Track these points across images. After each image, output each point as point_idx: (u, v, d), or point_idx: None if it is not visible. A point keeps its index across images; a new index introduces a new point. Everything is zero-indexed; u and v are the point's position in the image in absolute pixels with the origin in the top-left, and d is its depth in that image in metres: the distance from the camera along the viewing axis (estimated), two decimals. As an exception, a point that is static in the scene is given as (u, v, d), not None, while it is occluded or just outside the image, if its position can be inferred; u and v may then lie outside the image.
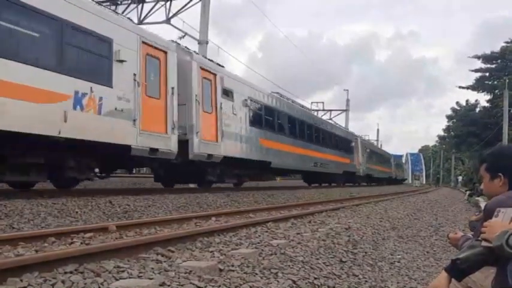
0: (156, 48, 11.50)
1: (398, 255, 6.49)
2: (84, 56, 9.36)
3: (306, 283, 4.10)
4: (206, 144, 13.38)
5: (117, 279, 3.39)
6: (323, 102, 45.40)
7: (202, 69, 13.60)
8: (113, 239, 5.48)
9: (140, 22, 18.87)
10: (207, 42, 18.93)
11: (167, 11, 19.21)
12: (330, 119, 39.76)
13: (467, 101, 57.55)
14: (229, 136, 14.72)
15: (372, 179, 42.77)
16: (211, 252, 4.69)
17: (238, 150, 15.47)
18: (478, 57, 49.91)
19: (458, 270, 2.08)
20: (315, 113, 34.63)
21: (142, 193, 11.34)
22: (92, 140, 9.47)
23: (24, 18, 8.16)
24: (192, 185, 16.56)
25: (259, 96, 17.77)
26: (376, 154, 45.59)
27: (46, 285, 3.17)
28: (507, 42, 47.95)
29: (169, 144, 11.71)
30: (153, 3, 19.34)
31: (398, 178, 64.91)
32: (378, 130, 70.84)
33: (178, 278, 3.51)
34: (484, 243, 1.98)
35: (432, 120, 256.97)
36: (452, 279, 2.17)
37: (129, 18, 12.61)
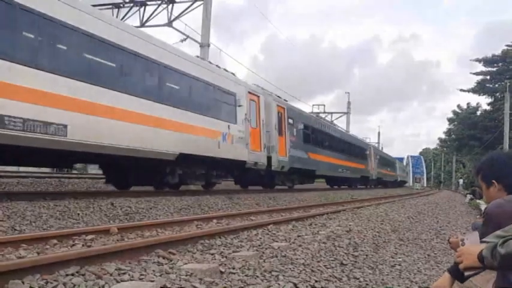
0: None
1: (399, 258, 6.49)
2: None
3: (307, 286, 4.11)
4: None
5: (118, 282, 3.41)
6: (324, 105, 44.71)
7: None
8: (115, 241, 5.50)
9: (142, 25, 18.92)
10: (208, 45, 18.97)
11: (169, 14, 19.27)
12: (332, 121, 39.69)
13: (468, 104, 57.59)
14: None
15: (321, 177, 27.87)
16: (212, 254, 4.71)
17: None
18: (479, 60, 49.91)
19: (460, 272, 2.09)
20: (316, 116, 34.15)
21: (144, 195, 11.34)
22: None
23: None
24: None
25: None
26: (323, 135, 25.91)
27: (47, 287, 3.19)
28: (508, 46, 47.93)
29: None
30: (155, 6, 19.39)
31: (386, 179, 48.28)
32: (379, 133, 69.04)
33: (180, 281, 3.52)
34: (467, 273, 1.95)
35: (434, 123, 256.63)
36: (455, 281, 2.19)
37: None
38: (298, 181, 23.22)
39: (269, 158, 17.41)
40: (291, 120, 20.11)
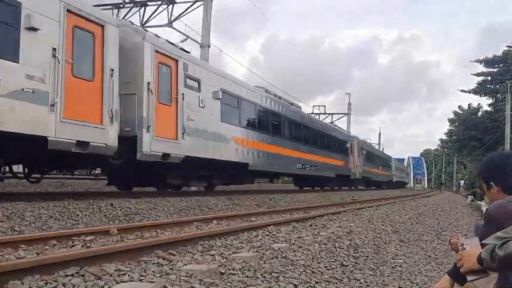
0: None
1: (400, 259, 6.47)
2: None
3: (307, 287, 4.09)
4: None
5: (118, 283, 3.40)
6: (325, 106, 44.57)
7: None
8: (114, 242, 5.49)
9: (142, 26, 18.93)
10: (209, 46, 18.97)
11: (169, 14, 19.26)
12: (332, 122, 39.70)
13: (469, 104, 57.58)
14: None
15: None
16: (212, 255, 4.69)
17: None
18: (480, 61, 49.91)
19: (460, 274, 2.08)
20: (317, 117, 34.00)
21: (144, 196, 11.33)
22: None
23: None
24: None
25: None
26: (268, 114, 18.15)
27: (47, 288, 3.18)
28: (509, 46, 47.93)
29: None
30: (155, 7, 19.39)
31: (377, 180, 41.57)
32: (379, 134, 68.84)
33: (179, 282, 3.51)
34: (470, 278, 1.93)
35: (434, 124, 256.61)
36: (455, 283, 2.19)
37: None
38: (218, 180, 15.46)
39: (133, 139, 10.52)
40: (193, 83, 12.65)
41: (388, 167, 49.56)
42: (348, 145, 30.53)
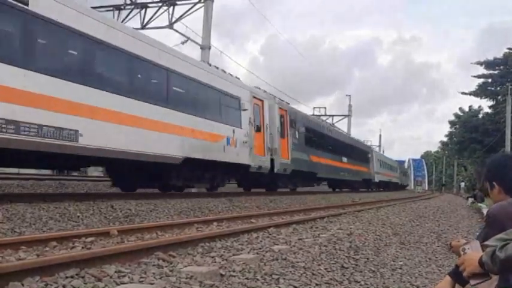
0: None
1: (401, 261, 6.46)
2: None
3: (308, 289, 4.08)
4: None
5: (118, 284, 3.40)
6: (325, 108, 44.31)
7: None
8: (114, 244, 5.48)
9: (143, 27, 18.95)
10: (209, 47, 18.98)
11: (170, 16, 19.30)
12: (333, 124, 39.71)
13: (470, 107, 57.57)
14: None
15: None
16: (212, 257, 4.69)
17: None
18: (481, 64, 49.92)
19: (461, 275, 2.08)
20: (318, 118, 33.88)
21: (144, 198, 11.33)
22: None
23: None
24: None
25: None
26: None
27: (47, 289, 3.17)
28: (510, 49, 47.95)
29: None
30: (156, 8, 19.41)
31: (336, 177, 27.76)
32: (380, 136, 68.67)
33: (180, 283, 3.51)
34: (473, 282, 1.92)
35: (434, 125, 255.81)
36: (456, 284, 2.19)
37: None
38: None
39: None
40: None
41: (364, 161, 35.37)
42: (246, 107, 16.41)
